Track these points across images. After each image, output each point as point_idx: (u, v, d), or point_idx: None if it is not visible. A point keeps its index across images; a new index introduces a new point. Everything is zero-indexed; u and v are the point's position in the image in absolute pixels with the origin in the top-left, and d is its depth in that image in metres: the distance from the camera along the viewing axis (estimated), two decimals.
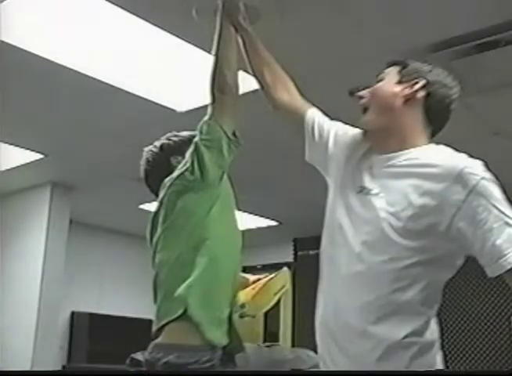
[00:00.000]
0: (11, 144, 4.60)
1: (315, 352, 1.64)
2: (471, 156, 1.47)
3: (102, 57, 3.28)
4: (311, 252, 6.68)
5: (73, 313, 6.77)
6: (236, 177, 2.07)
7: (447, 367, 1.55)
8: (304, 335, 5.92)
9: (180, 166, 1.94)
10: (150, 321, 1.98)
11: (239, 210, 2.12)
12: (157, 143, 2.13)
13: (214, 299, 1.87)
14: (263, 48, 2.00)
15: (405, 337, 1.41)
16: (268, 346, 2.21)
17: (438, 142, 1.58)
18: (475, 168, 1.42)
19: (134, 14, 2.84)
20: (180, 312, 1.82)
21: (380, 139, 1.60)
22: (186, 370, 1.77)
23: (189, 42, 3.06)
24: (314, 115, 1.83)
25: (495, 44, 2.92)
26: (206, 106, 1.96)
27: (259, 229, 6.72)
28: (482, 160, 1.45)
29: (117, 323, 6.83)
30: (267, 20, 2.64)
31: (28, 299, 5.42)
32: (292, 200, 5.81)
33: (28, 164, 5.02)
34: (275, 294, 2.30)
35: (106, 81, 3.50)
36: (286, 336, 6.99)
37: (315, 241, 1.84)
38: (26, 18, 2.91)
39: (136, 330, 6.21)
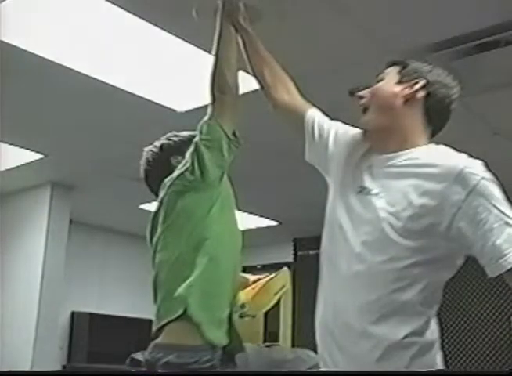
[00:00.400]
0: (11, 144, 4.60)
1: (315, 352, 1.64)
2: (471, 156, 1.47)
3: (102, 57, 3.28)
4: (311, 252, 6.68)
5: (73, 313, 6.77)
6: (236, 177, 2.07)
7: (447, 367, 1.55)
8: (304, 335, 5.92)
9: (180, 166, 1.94)
10: (150, 321, 1.98)
11: (239, 210, 2.12)
12: (157, 143, 2.13)
13: (214, 299, 1.87)
14: (263, 48, 2.00)
15: (405, 337, 1.41)
16: (268, 346, 2.21)
17: (438, 142, 1.58)
18: (475, 168, 1.42)
19: (134, 14, 2.84)
20: (180, 312, 1.82)
21: (380, 138, 1.60)
22: (186, 370, 1.77)
23: (190, 42, 3.06)
24: (314, 115, 1.83)
25: (495, 44, 2.92)
26: (206, 106, 1.96)
27: (259, 229, 6.72)
28: (482, 160, 1.45)
29: (117, 323, 6.83)
30: (267, 20, 2.64)
31: (28, 299, 5.42)
32: (292, 200, 5.81)
33: (28, 164, 5.02)
34: (275, 294, 2.30)
35: (106, 81, 3.50)
36: (286, 336, 6.99)
37: (315, 241, 1.84)
38: (26, 18, 2.91)
39: (136, 330, 6.22)
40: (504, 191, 1.42)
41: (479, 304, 5.75)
